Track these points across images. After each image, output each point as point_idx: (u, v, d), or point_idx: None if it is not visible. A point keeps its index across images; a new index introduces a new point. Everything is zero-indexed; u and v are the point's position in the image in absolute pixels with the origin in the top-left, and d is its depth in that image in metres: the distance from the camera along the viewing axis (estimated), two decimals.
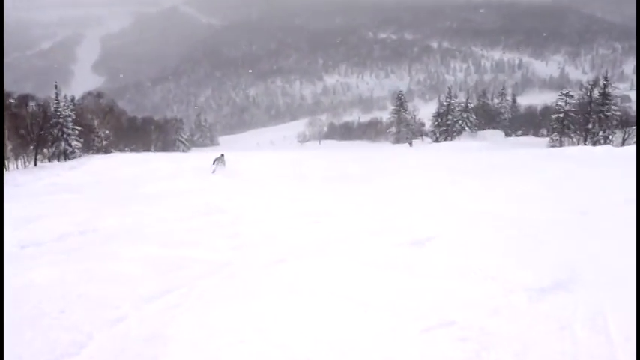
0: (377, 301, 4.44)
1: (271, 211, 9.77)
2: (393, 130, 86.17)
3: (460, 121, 65.47)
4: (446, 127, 67.79)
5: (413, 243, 6.45)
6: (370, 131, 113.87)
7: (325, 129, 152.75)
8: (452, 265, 5.38)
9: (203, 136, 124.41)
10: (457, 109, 67.62)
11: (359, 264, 5.52)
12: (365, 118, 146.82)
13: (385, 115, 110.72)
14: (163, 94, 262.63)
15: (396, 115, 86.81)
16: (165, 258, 6.01)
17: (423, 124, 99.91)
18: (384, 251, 6.07)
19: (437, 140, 66.94)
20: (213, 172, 21.75)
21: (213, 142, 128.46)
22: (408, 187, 13.20)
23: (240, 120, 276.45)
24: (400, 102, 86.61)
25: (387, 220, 8.25)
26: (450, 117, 67.28)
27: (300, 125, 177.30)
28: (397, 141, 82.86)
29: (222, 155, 24.48)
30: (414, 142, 73.60)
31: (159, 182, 15.82)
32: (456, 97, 74.10)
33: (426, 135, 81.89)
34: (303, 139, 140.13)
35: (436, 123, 69.57)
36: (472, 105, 69.63)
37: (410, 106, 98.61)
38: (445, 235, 6.83)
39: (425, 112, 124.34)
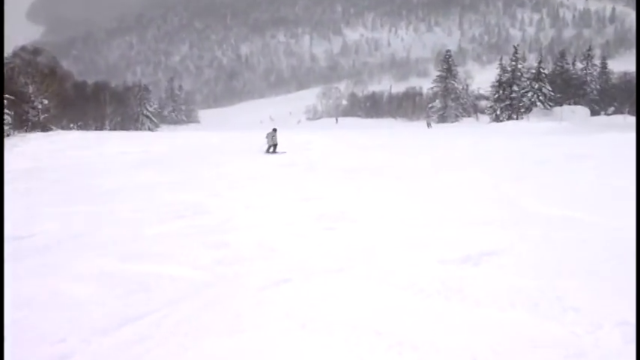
0: (415, 340, 4.43)
1: (270, 212, 9.81)
2: (437, 104, 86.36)
3: (530, 93, 65.23)
4: (510, 102, 67.55)
5: (464, 260, 6.44)
6: (405, 106, 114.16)
7: (344, 102, 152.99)
8: (518, 292, 5.36)
9: (177, 110, 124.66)
10: (525, 76, 67.28)
11: (390, 288, 5.51)
12: (398, 88, 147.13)
13: (426, 84, 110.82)
14: (123, 51, 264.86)
15: (440, 85, 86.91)
16: (126, 275, 6.05)
17: (478, 98, 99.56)
18: (423, 271, 6.06)
19: (497, 119, 66.69)
20: (269, 151, 25.38)
21: (190, 118, 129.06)
22: (456, 184, 13.19)
23: (229, 88, 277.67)
24: (447, 66, 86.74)
25: (427, 228, 8.26)
26: (515, 87, 67.04)
27: (309, 96, 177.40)
28: (443, 119, 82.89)
29: (275, 130, 27.09)
30: (465, 120, 73.32)
31: (121, 172, 15.94)
32: (524, 60, 73.77)
33: (483, 112, 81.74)
34: (313, 114, 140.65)
35: (496, 95, 69.38)
36: (546, 71, 69.07)
37: (460, 72, 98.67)
38: (509, 250, 6.81)
39: (481, 79, 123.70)
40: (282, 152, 25.19)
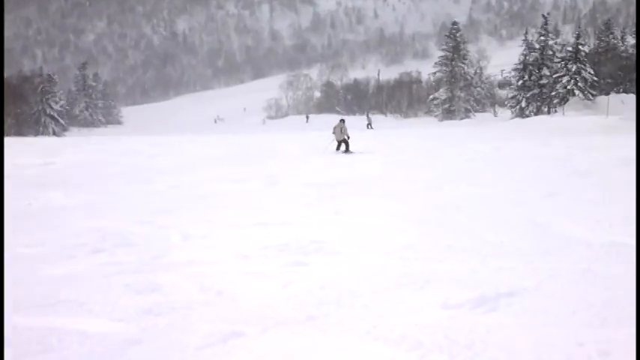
0: None
1: (217, 243, 9.79)
2: (441, 94, 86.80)
3: (565, 79, 65.13)
4: (539, 90, 67.95)
5: (476, 304, 6.45)
6: (399, 97, 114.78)
7: (317, 93, 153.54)
8: (548, 348, 5.36)
9: (92, 107, 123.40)
10: (559, 56, 67.75)
11: (376, 343, 5.50)
12: (389, 74, 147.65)
13: (426, 68, 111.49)
14: (17, 29, 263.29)
15: (445, 69, 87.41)
16: (20, 332, 5.99)
17: (496, 86, 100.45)
18: (421, 319, 6.07)
19: (522, 113, 67.16)
20: (340, 149, 28.10)
21: (110, 119, 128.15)
22: (467, 201, 13.33)
23: (162, 77, 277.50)
24: (454, 44, 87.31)
25: (428, 261, 8.30)
26: (545, 71, 67.62)
27: (270, 87, 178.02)
28: (449, 115, 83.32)
29: (343, 121, 29.57)
30: (480, 116, 73.84)
31: (13, 193, 15.78)
32: (557, 34, 74.59)
33: (503, 104, 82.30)
34: (276, 111, 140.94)
35: (520, 82, 69.86)
36: (587, 49, 68.65)
37: (472, 51, 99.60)
38: (536, 290, 6.84)
39: (499, 61, 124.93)
40: (358, 152, 27.48)
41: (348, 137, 29.48)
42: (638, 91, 54.41)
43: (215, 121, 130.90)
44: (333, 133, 29.32)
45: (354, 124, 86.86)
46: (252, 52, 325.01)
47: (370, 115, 78.07)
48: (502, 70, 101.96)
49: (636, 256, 6.55)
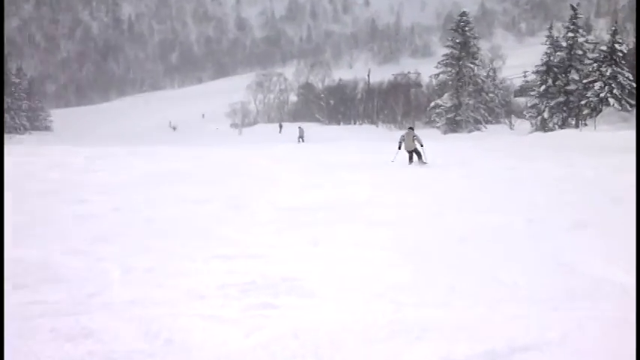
0: None
1: (166, 280, 9.76)
2: (445, 101, 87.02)
3: (598, 85, 64.80)
4: (565, 98, 67.87)
5: None
6: (394, 104, 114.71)
7: (293, 97, 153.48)
8: None
9: (14, 110, 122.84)
10: (591, 56, 67.68)
11: None
12: (382, 75, 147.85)
13: (428, 69, 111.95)
14: None
15: (451, 70, 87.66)
16: None
17: (513, 92, 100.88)
18: None
19: (544, 126, 67.27)
20: (413, 159, 30.45)
21: (35, 124, 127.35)
22: (474, 233, 13.36)
23: (101, 74, 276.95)
24: (462, 40, 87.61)
25: (425, 307, 8.30)
26: (574, 75, 67.59)
27: (236, 88, 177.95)
28: (454, 126, 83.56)
29: (412, 129, 32.24)
30: (492, 129, 74.16)
31: None
32: (588, 29, 74.72)
33: (521, 115, 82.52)
34: (243, 118, 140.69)
35: (543, 88, 69.79)
36: (625, 49, 68.32)
37: (484, 48, 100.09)
38: (560, 344, 6.86)
39: (517, 61, 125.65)
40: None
41: (422, 146, 31.24)
42: (638, 97, 54.89)
43: (174, 129, 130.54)
44: (401, 142, 31.16)
45: (339, 134, 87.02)
46: (213, 45, 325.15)
47: (301, 127, 79.46)
48: (525, 73, 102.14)
49: (636, 254, 6.04)
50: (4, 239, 10.46)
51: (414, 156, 31.37)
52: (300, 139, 72.73)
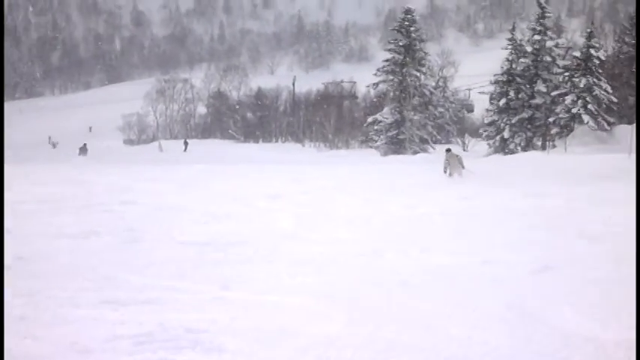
0: None
1: (42, 330, 9.63)
2: (385, 117, 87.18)
3: (570, 98, 65.01)
4: (530, 113, 68.12)
5: None
6: (324, 118, 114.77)
7: (201, 108, 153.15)
8: None
9: None
10: (561, 64, 68.24)
11: None
12: (310, 83, 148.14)
13: (366, 77, 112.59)
14: None
15: (393, 78, 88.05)
16: None
17: (467, 106, 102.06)
18: None
19: (504, 147, 67.65)
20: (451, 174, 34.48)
21: None
22: (414, 273, 13.40)
23: None
24: (407, 42, 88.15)
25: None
26: (541, 86, 68.00)
27: (130, 95, 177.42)
28: (396, 146, 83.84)
29: (450, 150, 36.86)
30: (440, 148, 74.86)
31: None
32: (559, 31, 75.36)
33: (477, 133, 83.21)
34: (138, 133, 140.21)
35: (502, 101, 70.19)
36: (602, 55, 68.33)
37: (432, 53, 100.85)
38: None
39: (472, 68, 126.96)
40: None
41: (463, 167, 35.26)
42: (637, 106, 55.47)
43: (54, 145, 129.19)
44: (446, 165, 35.03)
45: (257, 154, 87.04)
46: (104, 44, 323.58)
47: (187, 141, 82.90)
48: (458, 89, 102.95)
49: (636, 255, 6.21)
50: None
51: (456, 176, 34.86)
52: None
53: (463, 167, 35.34)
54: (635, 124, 54.80)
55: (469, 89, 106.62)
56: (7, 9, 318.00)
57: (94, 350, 8.78)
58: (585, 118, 62.26)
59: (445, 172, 35.34)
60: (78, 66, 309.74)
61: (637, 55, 56.05)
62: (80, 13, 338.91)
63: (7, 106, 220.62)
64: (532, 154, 57.21)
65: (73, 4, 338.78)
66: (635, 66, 68.75)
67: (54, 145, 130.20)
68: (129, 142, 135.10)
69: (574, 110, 63.13)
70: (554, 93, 65.78)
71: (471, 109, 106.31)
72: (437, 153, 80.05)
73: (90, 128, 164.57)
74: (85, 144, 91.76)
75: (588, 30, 68.17)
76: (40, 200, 26.33)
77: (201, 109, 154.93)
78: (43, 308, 10.81)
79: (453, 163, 35.09)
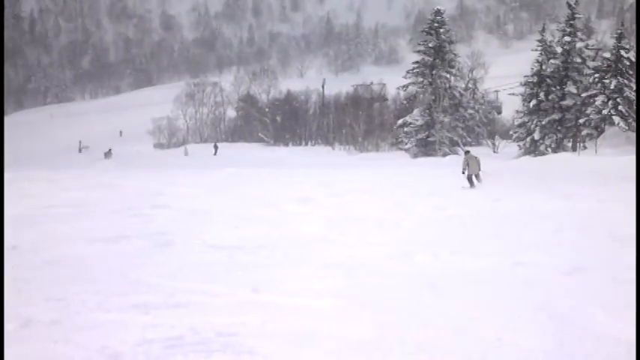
0: None
1: (72, 333, 9.65)
2: (416, 118, 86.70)
3: (600, 99, 64.25)
4: (560, 115, 67.41)
5: None
6: (353, 121, 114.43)
7: (231, 111, 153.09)
8: None
9: None
10: (591, 65, 67.44)
11: None
12: (339, 86, 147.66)
13: (395, 80, 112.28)
14: None
15: (423, 80, 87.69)
16: None
17: (496, 107, 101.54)
18: None
19: (534, 149, 67.06)
20: (473, 180, 35.39)
21: None
22: (444, 275, 13.37)
23: None
24: (437, 43, 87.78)
25: None
26: (571, 87, 67.26)
27: (160, 99, 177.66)
28: (426, 149, 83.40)
29: (469, 152, 38.01)
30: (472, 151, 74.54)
31: None
32: (589, 32, 74.49)
33: (508, 135, 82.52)
34: (169, 136, 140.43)
35: (532, 103, 69.61)
36: (632, 56, 67.37)
37: (462, 54, 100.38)
38: None
39: (502, 70, 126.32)
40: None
41: (480, 169, 36.46)
42: (637, 105, 55.23)
43: (80, 150, 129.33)
44: (465, 167, 35.73)
45: (287, 158, 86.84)
46: (134, 49, 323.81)
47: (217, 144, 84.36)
48: (487, 90, 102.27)
49: (636, 254, 6.16)
50: None
51: (474, 178, 35.70)
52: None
53: (480, 169, 36.29)
54: None
55: (497, 90, 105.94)
56: (37, 14, 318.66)
57: (125, 354, 8.79)
58: (616, 119, 61.56)
59: (463, 173, 35.95)
60: (108, 70, 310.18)
61: (637, 55, 55.75)
62: (110, 17, 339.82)
63: (37, 111, 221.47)
64: (562, 156, 56.82)
65: (103, 9, 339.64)
66: None
67: (80, 150, 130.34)
68: (159, 145, 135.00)
69: (604, 112, 62.46)
70: (584, 94, 65.10)
71: (499, 111, 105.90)
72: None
73: (120, 132, 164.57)
74: (110, 149, 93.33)
75: (618, 31, 67.37)
76: (71, 205, 26.50)
77: (231, 113, 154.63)
78: (74, 312, 10.84)
79: (472, 165, 35.75)
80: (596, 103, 63.17)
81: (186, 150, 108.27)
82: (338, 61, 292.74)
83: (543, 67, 68.78)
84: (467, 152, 37.34)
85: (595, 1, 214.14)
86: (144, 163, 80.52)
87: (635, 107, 61.45)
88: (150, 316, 10.58)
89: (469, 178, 35.60)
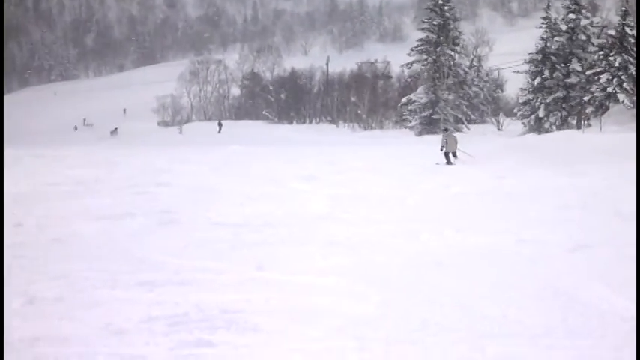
0: None
1: (74, 311, 9.65)
2: (420, 95, 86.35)
3: (605, 77, 63.85)
4: (565, 92, 67.12)
5: None
6: (358, 99, 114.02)
7: (235, 89, 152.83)
8: None
9: None
10: (596, 42, 67.14)
11: None
12: (343, 63, 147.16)
13: (399, 57, 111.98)
14: None
15: (427, 58, 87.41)
16: None
17: (501, 85, 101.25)
18: None
19: (539, 127, 66.86)
20: (451, 159, 36.70)
21: None
22: (449, 253, 13.35)
23: None
24: (441, 21, 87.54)
25: (390, 343, 8.28)
26: (575, 65, 66.96)
27: (164, 77, 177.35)
28: (430, 126, 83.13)
29: (447, 130, 41.74)
30: (475, 130, 74.35)
31: None
32: (593, 10, 74.13)
33: (512, 113, 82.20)
34: (173, 114, 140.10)
35: (537, 80, 69.36)
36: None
37: (467, 33, 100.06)
38: None
39: (507, 48, 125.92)
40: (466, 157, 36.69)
41: (457, 148, 37.77)
42: (637, 95, 55.18)
43: (76, 128, 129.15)
44: (444, 144, 37.06)
45: (291, 135, 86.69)
46: (138, 26, 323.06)
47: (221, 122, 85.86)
48: (491, 68, 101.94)
49: (636, 254, 6.15)
50: None
51: (451, 155, 37.01)
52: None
53: (457, 148, 37.73)
54: None
55: (499, 68, 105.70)
56: None
57: (130, 331, 8.79)
58: (621, 96, 61.43)
59: (442, 150, 37.29)
60: (112, 48, 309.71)
61: (637, 54, 55.71)
62: None
63: (42, 89, 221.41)
64: (567, 133, 56.57)
65: None
66: None
67: (75, 128, 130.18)
68: (163, 123, 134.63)
69: (609, 89, 62.30)
70: (589, 72, 64.80)
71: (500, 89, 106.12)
72: (471, 133, 79.70)
73: (124, 110, 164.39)
74: (116, 127, 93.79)
75: (623, 9, 67.02)
76: (75, 182, 26.51)
77: (235, 91, 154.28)
78: (78, 289, 10.85)
79: (450, 142, 37.45)
80: (601, 80, 62.93)
81: (181, 129, 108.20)
82: (342, 38, 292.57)
83: (548, 44, 68.57)
84: (445, 130, 40.31)
85: None
86: (148, 140, 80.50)
87: None
88: (154, 293, 10.59)
89: (446, 155, 36.90)
